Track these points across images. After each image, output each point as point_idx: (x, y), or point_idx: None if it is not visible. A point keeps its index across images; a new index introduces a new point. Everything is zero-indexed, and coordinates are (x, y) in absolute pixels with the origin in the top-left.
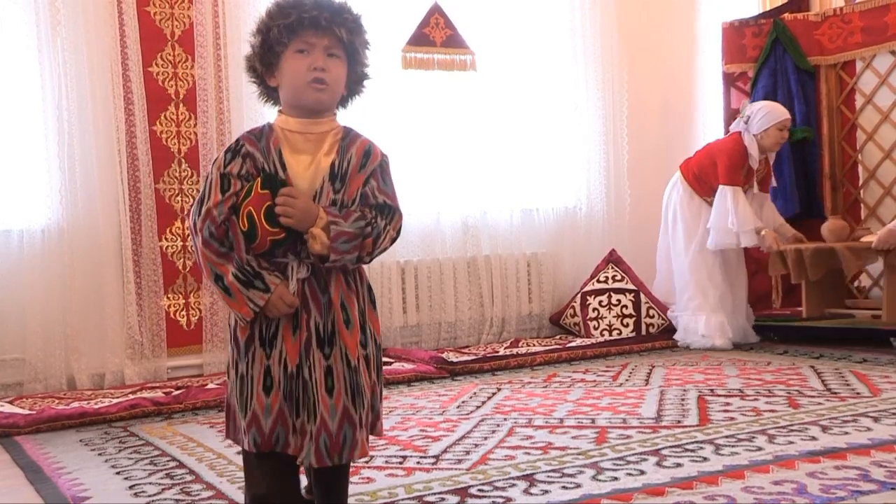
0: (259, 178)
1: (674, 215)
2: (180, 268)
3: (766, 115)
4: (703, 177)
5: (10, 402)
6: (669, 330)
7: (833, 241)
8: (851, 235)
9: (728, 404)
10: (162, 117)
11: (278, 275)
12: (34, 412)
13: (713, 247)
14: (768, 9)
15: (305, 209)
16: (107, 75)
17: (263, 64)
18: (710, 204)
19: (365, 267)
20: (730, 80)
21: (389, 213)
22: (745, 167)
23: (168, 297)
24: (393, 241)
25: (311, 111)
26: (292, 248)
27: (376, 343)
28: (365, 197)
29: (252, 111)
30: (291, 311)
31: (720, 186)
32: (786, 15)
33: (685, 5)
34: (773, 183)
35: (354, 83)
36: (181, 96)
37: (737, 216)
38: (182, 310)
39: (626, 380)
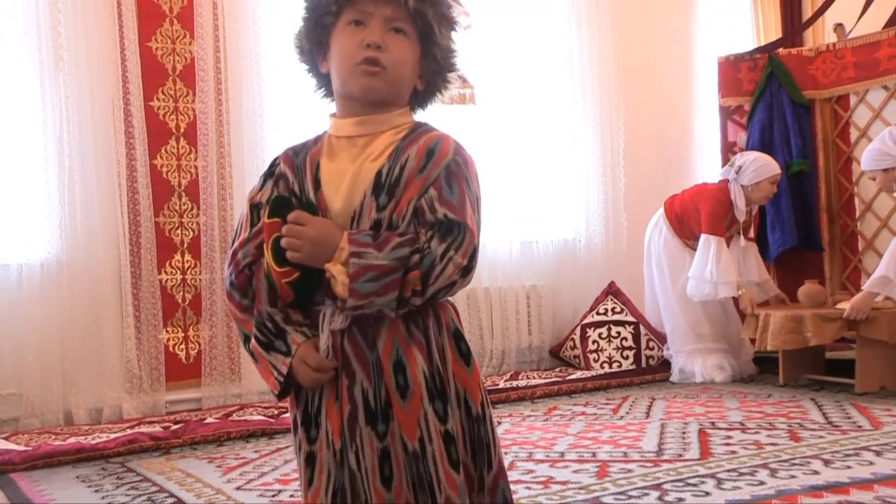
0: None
1: (657, 254)
2: (179, 301)
3: (759, 168)
4: (685, 220)
5: (6, 439)
6: (669, 363)
7: (808, 306)
8: (829, 301)
9: (729, 437)
10: (163, 151)
11: (306, 331)
12: (30, 448)
13: (691, 295)
14: (763, 44)
15: (316, 238)
16: (108, 109)
17: (312, 41)
18: (690, 247)
19: (457, 302)
20: (726, 114)
21: (453, 232)
22: (729, 216)
23: (167, 331)
24: (464, 271)
25: (365, 105)
26: (329, 292)
27: (470, 411)
28: (420, 212)
29: (252, 145)
30: (325, 376)
31: (702, 235)
32: (780, 50)
33: (681, 40)
34: (752, 233)
35: (433, 74)
36: (182, 130)
37: (717, 267)
38: (181, 343)
39: (627, 413)
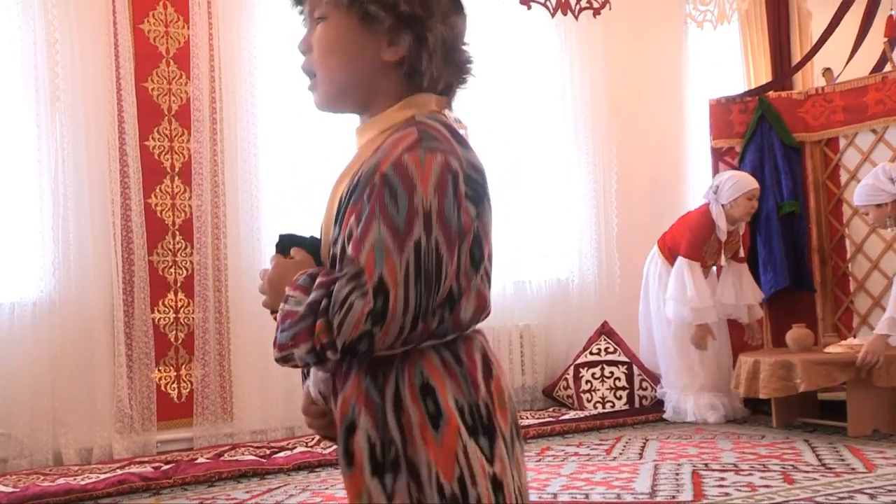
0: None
1: (655, 289)
2: (172, 340)
3: (734, 185)
4: (675, 250)
5: None
6: (662, 402)
7: (796, 350)
8: (817, 344)
9: (723, 479)
10: (157, 190)
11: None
12: (18, 490)
13: (671, 318)
14: (753, 87)
15: (273, 280)
16: (103, 148)
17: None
18: None
19: (438, 353)
20: (718, 155)
21: (357, 273)
22: (711, 240)
23: (159, 370)
24: (375, 318)
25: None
26: None
27: (442, 490)
28: (346, 244)
29: (246, 184)
30: (312, 421)
31: (679, 258)
32: (770, 93)
33: (673, 83)
34: (742, 253)
35: (395, 31)
36: (177, 169)
37: (685, 288)
38: (173, 382)
39: (620, 453)
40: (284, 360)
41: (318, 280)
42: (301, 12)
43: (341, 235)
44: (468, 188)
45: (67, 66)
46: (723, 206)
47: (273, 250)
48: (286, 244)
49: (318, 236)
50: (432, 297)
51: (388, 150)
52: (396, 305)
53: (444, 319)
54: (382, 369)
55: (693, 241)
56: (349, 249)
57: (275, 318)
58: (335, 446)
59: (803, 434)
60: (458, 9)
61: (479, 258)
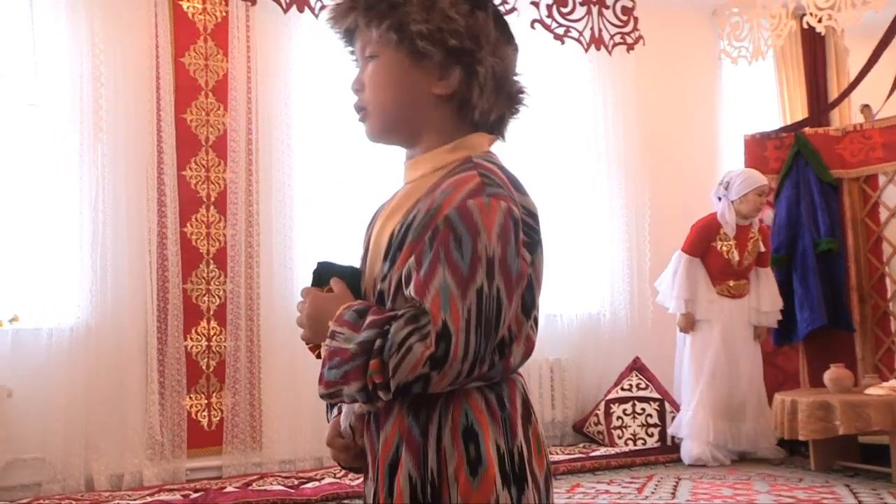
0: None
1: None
2: (204, 367)
3: (744, 181)
4: None
5: None
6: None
7: (835, 391)
8: (857, 385)
9: None
10: (193, 219)
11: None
12: None
13: (660, 302)
14: (789, 123)
15: (311, 314)
16: (142, 178)
17: None
18: (725, 294)
19: (481, 394)
20: None
21: (416, 315)
22: (716, 237)
23: (190, 398)
24: (434, 363)
25: (399, 147)
26: None
27: None
28: (404, 283)
29: (280, 214)
30: (338, 455)
31: (676, 251)
32: (807, 129)
33: (706, 118)
34: (762, 248)
35: (444, 68)
36: (212, 199)
37: (674, 279)
38: (204, 410)
39: (652, 493)
40: (331, 396)
41: (371, 318)
42: (352, 52)
43: (393, 272)
44: (525, 235)
45: (111, 98)
46: (732, 201)
47: (309, 277)
48: (323, 273)
49: (357, 266)
50: (490, 344)
51: (449, 192)
52: (458, 351)
53: (494, 363)
54: (425, 408)
55: (694, 239)
56: (410, 291)
57: (311, 350)
58: (361, 478)
59: (843, 478)
60: (509, 40)
61: (530, 305)
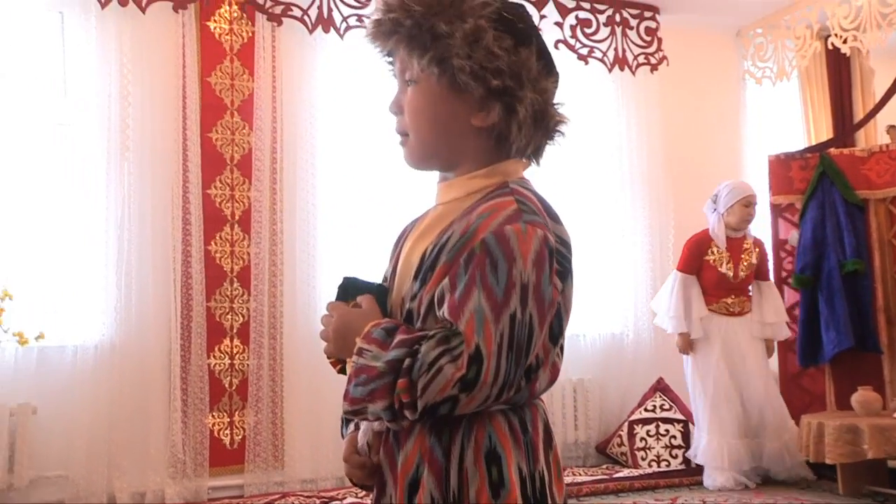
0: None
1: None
2: (227, 386)
3: (730, 193)
4: None
5: None
6: None
7: (863, 414)
8: (886, 409)
9: None
10: (217, 237)
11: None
12: None
13: (658, 324)
14: (813, 143)
15: (339, 329)
16: (168, 196)
17: None
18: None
19: (502, 414)
20: (777, 211)
21: (447, 337)
22: (709, 251)
23: (213, 416)
24: (464, 385)
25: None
26: None
27: None
28: (437, 306)
29: (304, 233)
30: (353, 471)
31: (672, 271)
32: (832, 150)
33: (731, 138)
34: (756, 259)
35: (486, 100)
36: (237, 217)
37: (670, 299)
38: (226, 428)
39: None
40: (355, 413)
41: (400, 337)
42: (390, 62)
43: (423, 292)
44: (558, 264)
45: (138, 117)
46: (721, 214)
47: (332, 296)
48: (350, 289)
49: (383, 283)
50: (520, 369)
51: (486, 216)
52: (489, 375)
53: (521, 388)
54: (448, 429)
55: (686, 256)
56: (444, 312)
57: (333, 365)
58: (371, 495)
59: (873, 503)
60: (550, 71)
61: (557, 332)
